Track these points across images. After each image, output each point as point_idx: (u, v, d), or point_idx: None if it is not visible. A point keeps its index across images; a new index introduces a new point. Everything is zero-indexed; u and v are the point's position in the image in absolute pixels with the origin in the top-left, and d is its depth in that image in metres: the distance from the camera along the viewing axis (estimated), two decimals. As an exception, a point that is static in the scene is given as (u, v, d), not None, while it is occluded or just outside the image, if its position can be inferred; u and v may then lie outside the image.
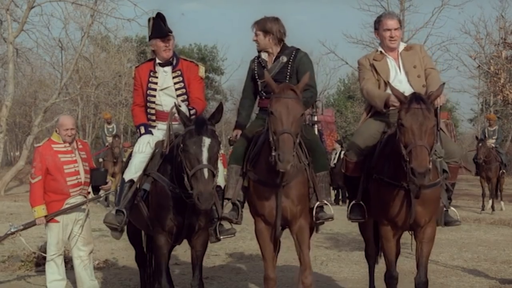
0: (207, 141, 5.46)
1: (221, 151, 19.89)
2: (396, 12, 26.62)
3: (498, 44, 17.53)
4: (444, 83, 5.94)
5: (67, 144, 7.22)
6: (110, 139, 19.86)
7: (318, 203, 6.09)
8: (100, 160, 19.83)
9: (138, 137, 6.58)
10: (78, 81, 33.33)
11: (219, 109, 5.72)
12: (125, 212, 6.24)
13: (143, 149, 6.37)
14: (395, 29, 6.35)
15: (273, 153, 5.43)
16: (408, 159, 5.31)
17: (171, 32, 6.48)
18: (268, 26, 6.40)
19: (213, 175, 5.42)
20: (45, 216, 7.11)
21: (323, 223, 6.27)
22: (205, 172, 5.36)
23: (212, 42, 50.12)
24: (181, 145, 5.55)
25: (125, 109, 36.76)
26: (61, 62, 33.47)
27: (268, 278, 6.12)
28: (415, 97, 5.48)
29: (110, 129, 20.63)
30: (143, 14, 24.59)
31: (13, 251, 9.92)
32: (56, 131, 7.30)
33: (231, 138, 6.60)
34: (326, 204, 6.15)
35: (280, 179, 5.80)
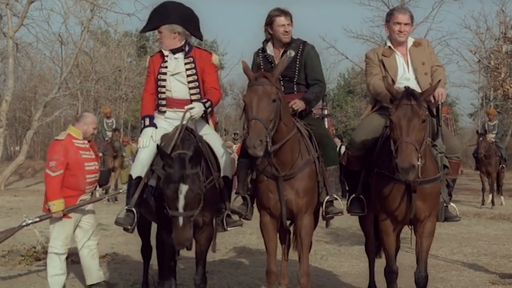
0: (184, 188, 5.43)
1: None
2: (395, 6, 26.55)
3: (498, 38, 17.54)
4: (440, 80, 5.95)
5: (86, 141, 7.27)
6: (109, 134, 19.84)
7: (328, 197, 6.10)
8: (100, 154, 19.80)
9: (142, 129, 6.56)
10: (78, 75, 33.38)
11: (198, 152, 5.67)
12: (134, 211, 6.24)
13: (146, 144, 6.34)
14: (405, 24, 6.33)
15: (247, 140, 5.40)
16: (395, 155, 5.33)
17: (167, 23, 6.41)
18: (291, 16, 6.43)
19: (190, 217, 5.48)
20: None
21: (332, 217, 6.28)
22: (180, 220, 5.43)
23: (212, 37, 50.06)
24: (162, 185, 5.58)
25: (125, 104, 36.83)
26: (61, 57, 33.48)
27: (271, 272, 6.13)
28: (406, 93, 5.49)
29: (110, 124, 20.62)
30: (143, 9, 24.63)
31: (13, 245, 9.92)
32: (74, 125, 7.35)
33: (237, 133, 6.62)
34: (336, 198, 6.16)
35: (280, 170, 5.79)
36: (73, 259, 9.08)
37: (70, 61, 28.69)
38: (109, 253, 9.89)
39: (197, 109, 6.24)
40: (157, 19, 6.49)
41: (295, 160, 5.87)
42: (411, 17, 6.41)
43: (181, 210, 5.42)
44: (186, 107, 6.24)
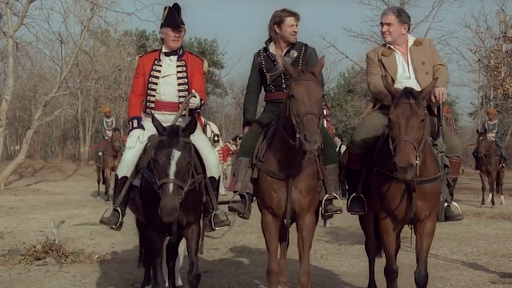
0: (176, 154, 5.43)
1: (221, 145, 19.87)
2: (396, 6, 26.56)
3: (498, 38, 17.53)
4: (437, 78, 5.96)
5: None
6: (109, 133, 19.87)
7: (327, 195, 6.11)
8: (100, 154, 19.85)
9: (129, 131, 6.56)
10: (78, 75, 33.38)
11: (193, 122, 5.70)
12: (120, 210, 6.26)
13: (133, 145, 6.35)
14: (387, 24, 6.36)
15: (298, 135, 5.37)
16: (394, 154, 5.32)
17: (183, 24, 6.50)
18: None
19: (179, 188, 5.42)
20: None
21: (331, 216, 6.29)
22: (170, 186, 5.37)
23: (212, 36, 50.15)
24: (153, 154, 5.58)
25: (125, 103, 36.76)
26: (61, 56, 33.56)
27: (271, 271, 6.13)
28: (405, 92, 5.49)
29: (109, 123, 20.65)
30: (142, 8, 24.66)
31: (13, 245, 9.93)
32: None
33: (242, 136, 6.68)
34: (335, 197, 6.16)
35: (293, 168, 5.79)
36: (72, 258, 9.11)
37: (70, 60, 28.65)
38: (109, 253, 9.89)
39: (197, 100, 6.30)
40: (179, 17, 6.50)
41: (299, 160, 5.88)
42: (398, 17, 6.37)
43: (172, 176, 5.36)
44: (193, 91, 6.29)
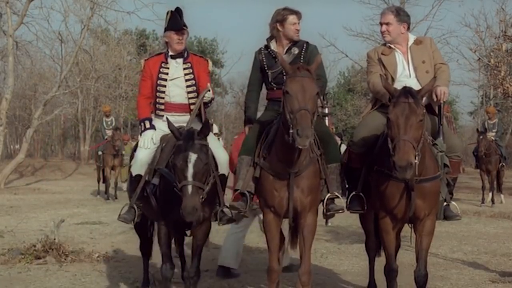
0: (193, 157, 5.62)
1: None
2: (396, 5, 26.56)
3: (498, 37, 17.51)
4: (435, 78, 5.96)
5: None
6: (109, 132, 19.83)
7: (329, 195, 6.11)
8: (100, 153, 19.83)
9: (141, 131, 6.66)
10: (78, 74, 33.41)
11: (206, 124, 5.90)
12: (135, 208, 6.41)
13: (148, 145, 6.50)
14: (386, 24, 6.38)
15: (291, 131, 5.35)
16: (393, 153, 5.33)
17: (186, 26, 6.62)
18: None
19: (199, 189, 5.62)
20: None
21: (333, 215, 6.29)
22: (189, 188, 5.55)
23: (212, 35, 50.15)
24: (172, 158, 5.79)
25: (125, 102, 36.85)
26: (61, 55, 33.54)
27: (272, 270, 6.12)
28: (404, 91, 5.49)
29: (109, 122, 20.62)
30: (142, 7, 24.77)
31: (13, 244, 9.93)
32: None
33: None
34: (337, 196, 6.16)
35: (294, 166, 5.79)
36: (72, 257, 9.11)
37: (70, 59, 28.67)
38: (109, 251, 9.90)
39: (210, 93, 6.50)
40: (181, 20, 6.61)
41: (303, 159, 5.88)
42: (397, 16, 6.39)
43: (190, 178, 5.56)
44: (208, 85, 6.47)
